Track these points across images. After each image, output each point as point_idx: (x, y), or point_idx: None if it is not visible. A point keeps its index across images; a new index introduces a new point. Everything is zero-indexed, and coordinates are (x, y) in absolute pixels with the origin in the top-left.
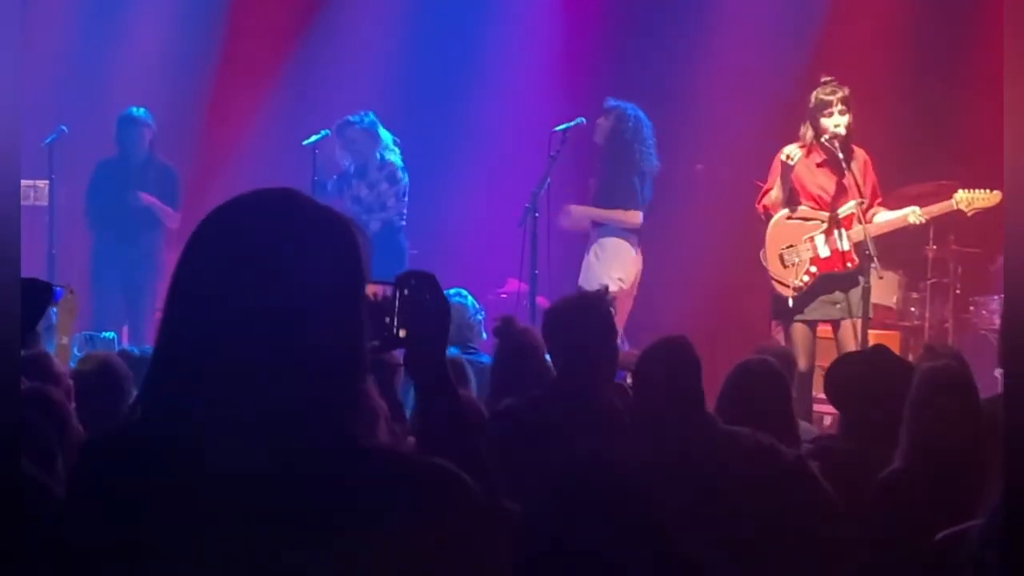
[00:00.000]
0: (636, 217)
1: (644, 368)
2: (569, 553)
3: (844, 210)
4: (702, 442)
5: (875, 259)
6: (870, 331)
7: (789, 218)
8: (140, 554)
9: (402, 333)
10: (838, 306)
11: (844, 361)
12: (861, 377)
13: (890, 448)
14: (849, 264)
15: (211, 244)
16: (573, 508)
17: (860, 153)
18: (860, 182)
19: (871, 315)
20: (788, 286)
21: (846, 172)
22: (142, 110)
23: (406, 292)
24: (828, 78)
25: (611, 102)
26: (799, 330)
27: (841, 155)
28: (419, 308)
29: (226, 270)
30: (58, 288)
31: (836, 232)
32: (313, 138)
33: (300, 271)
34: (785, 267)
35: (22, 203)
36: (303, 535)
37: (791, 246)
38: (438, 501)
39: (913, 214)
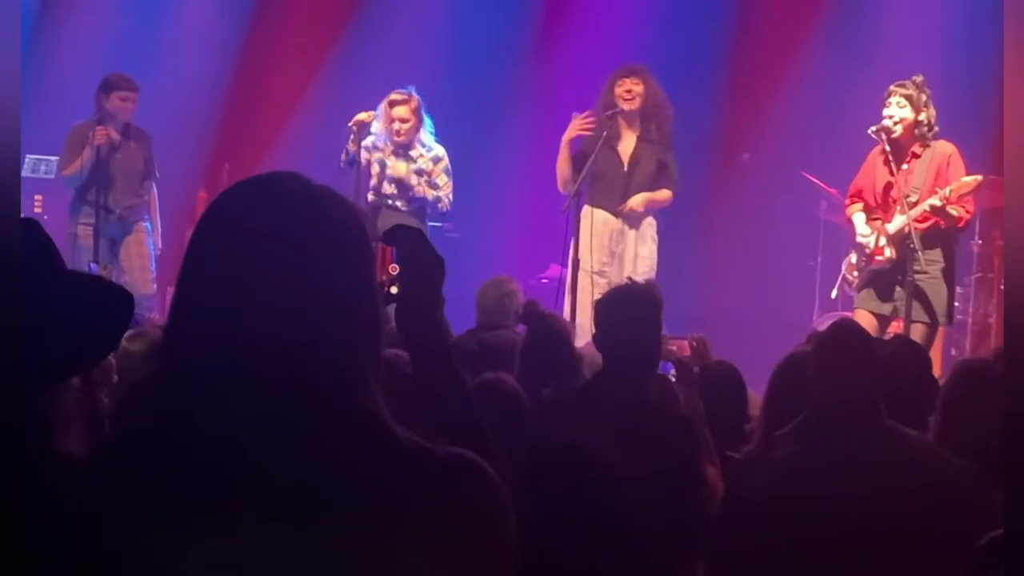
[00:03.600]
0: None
1: (822, 355)
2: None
3: (893, 225)
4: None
5: (917, 252)
6: (912, 324)
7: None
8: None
9: (393, 290)
10: (895, 303)
11: None
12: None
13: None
14: (878, 256)
15: (220, 228)
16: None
17: (939, 149)
18: (923, 179)
19: (934, 319)
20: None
21: (895, 169)
22: (122, 76)
23: (395, 248)
24: (918, 77)
25: (630, 66)
26: (860, 317)
27: (888, 148)
28: (410, 264)
29: (236, 254)
30: (92, 264)
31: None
32: (360, 116)
33: (310, 251)
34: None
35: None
36: (329, 525)
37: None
38: (463, 494)
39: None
